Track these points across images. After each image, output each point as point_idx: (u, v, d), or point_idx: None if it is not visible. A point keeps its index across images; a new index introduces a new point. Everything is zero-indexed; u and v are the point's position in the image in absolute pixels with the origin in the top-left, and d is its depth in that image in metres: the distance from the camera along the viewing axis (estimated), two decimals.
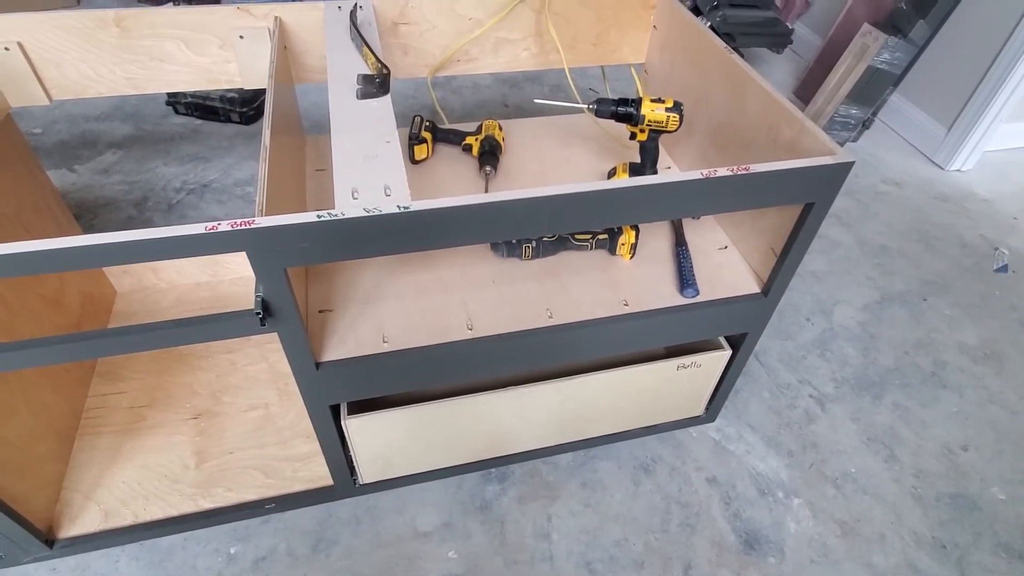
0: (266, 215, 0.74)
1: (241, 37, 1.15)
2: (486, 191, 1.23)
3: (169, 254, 0.70)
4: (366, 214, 0.72)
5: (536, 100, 1.21)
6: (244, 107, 2.20)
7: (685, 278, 1.09)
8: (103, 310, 1.43)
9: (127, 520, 1.13)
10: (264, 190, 0.79)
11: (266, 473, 1.19)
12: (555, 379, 1.11)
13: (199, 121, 2.22)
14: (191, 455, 1.21)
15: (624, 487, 1.28)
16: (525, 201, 0.77)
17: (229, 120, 2.22)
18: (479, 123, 1.36)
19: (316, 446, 1.22)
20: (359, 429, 1.04)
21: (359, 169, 0.79)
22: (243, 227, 0.70)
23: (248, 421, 1.27)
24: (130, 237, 0.68)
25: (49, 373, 1.18)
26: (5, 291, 1.06)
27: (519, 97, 2.51)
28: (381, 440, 1.09)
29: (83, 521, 1.12)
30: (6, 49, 1.05)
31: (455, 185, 1.26)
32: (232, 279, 1.52)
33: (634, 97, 1.12)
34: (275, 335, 0.84)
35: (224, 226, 0.70)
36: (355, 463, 1.13)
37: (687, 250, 1.15)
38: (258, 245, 0.72)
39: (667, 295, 1.08)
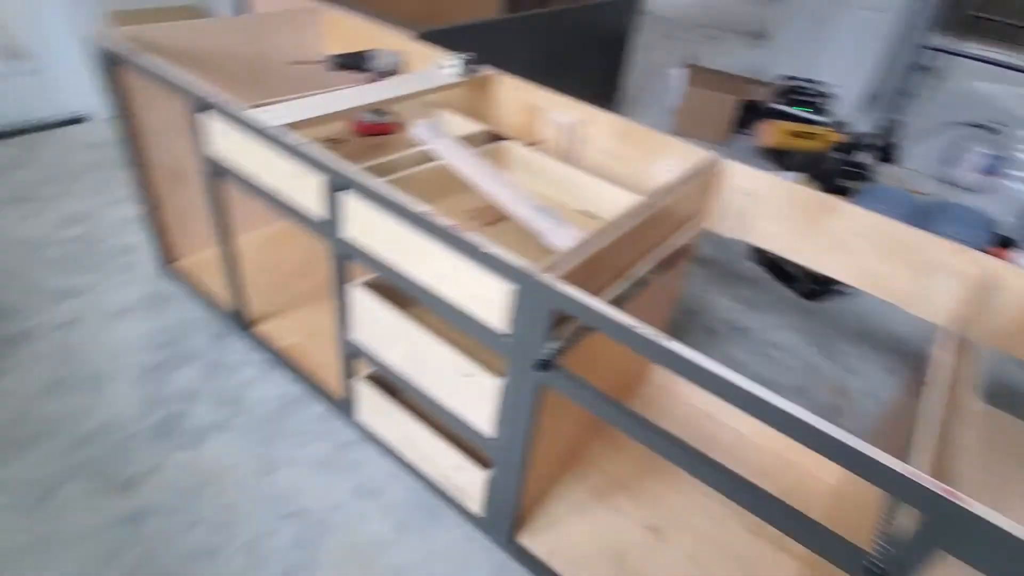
0: (952, 490, 0.68)
1: (942, 275, 1.14)
2: None
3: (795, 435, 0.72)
4: None
5: None
6: (812, 283, 2.26)
7: None
8: (632, 385, 1.63)
9: (558, 566, 1.24)
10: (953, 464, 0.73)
11: None
12: None
13: (765, 275, 2.37)
14: (629, 553, 1.27)
15: None
16: None
17: (792, 287, 2.31)
18: None
19: None
20: None
21: None
22: (951, 498, 0.65)
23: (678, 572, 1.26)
24: (773, 401, 0.72)
25: (583, 419, 1.38)
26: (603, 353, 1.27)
27: None
28: None
29: (536, 540, 1.27)
30: (746, 194, 1.28)
31: None
32: (759, 432, 1.55)
33: None
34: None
35: (931, 486, 0.66)
36: None
37: None
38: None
39: None
